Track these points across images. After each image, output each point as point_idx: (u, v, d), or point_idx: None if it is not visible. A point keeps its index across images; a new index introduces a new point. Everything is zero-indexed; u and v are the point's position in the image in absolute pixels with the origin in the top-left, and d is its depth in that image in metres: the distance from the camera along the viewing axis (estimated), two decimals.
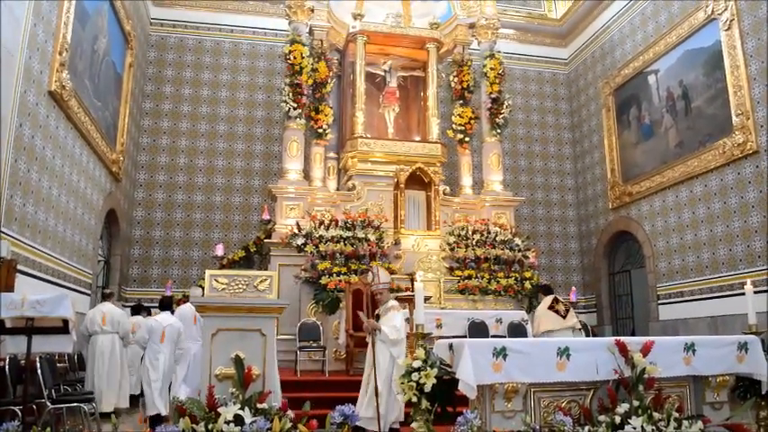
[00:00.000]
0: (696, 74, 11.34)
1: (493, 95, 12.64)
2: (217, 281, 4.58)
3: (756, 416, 5.40)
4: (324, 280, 10.16)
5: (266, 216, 12.40)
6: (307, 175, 12.07)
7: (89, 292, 10.11)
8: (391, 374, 5.87)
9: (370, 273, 6.54)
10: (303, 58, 11.64)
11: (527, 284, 11.29)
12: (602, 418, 4.50)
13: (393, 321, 6.08)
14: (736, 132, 10.19)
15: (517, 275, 11.29)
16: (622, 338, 4.84)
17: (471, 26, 13.12)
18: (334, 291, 10.07)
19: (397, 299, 9.09)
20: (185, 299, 9.75)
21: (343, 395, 6.70)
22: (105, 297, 9.46)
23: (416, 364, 4.47)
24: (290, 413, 4.21)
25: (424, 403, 4.40)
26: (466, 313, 10.30)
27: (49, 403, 6.20)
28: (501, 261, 11.32)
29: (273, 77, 14.42)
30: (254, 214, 13.74)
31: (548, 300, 8.13)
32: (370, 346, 6.22)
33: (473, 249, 11.23)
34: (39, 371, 6.24)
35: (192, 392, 6.85)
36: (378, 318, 6.19)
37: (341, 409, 4.44)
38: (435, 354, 4.70)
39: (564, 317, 7.84)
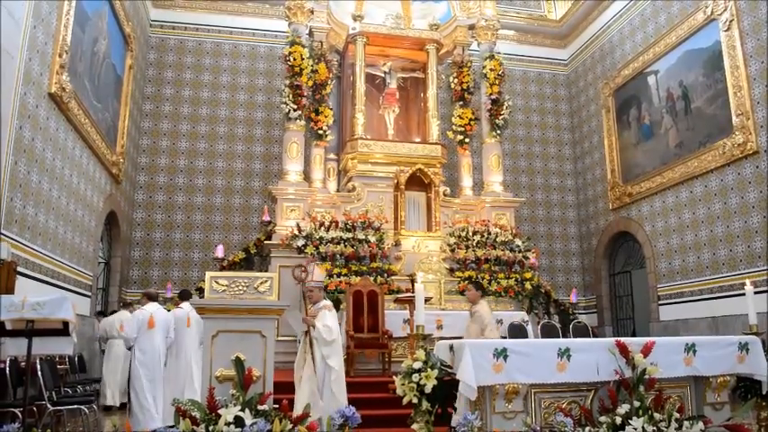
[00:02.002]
0: (696, 74, 11.34)
1: (493, 96, 12.63)
2: (217, 282, 4.57)
3: (757, 416, 5.40)
4: (324, 281, 10.15)
5: (266, 217, 12.40)
6: (307, 176, 12.07)
7: (89, 293, 10.12)
8: (323, 375, 5.79)
9: (305, 269, 6.39)
10: (303, 59, 11.64)
11: (527, 285, 11.29)
12: (602, 418, 4.49)
13: (325, 321, 5.93)
14: (737, 133, 10.19)
15: (518, 276, 11.27)
16: (623, 339, 4.83)
17: (471, 27, 13.12)
18: (334, 292, 10.07)
19: (397, 300, 9.19)
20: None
21: None
22: (125, 306, 9.91)
23: (417, 365, 4.47)
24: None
25: (425, 404, 4.40)
26: (466, 314, 10.28)
27: (49, 405, 6.21)
28: (501, 262, 11.30)
29: (273, 79, 14.43)
30: (254, 216, 13.75)
31: (487, 303, 7.59)
32: (303, 344, 6.04)
33: (473, 250, 11.21)
34: (39, 373, 6.26)
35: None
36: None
37: (341, 411, 4.43)
38: (436, 355, 4.70)
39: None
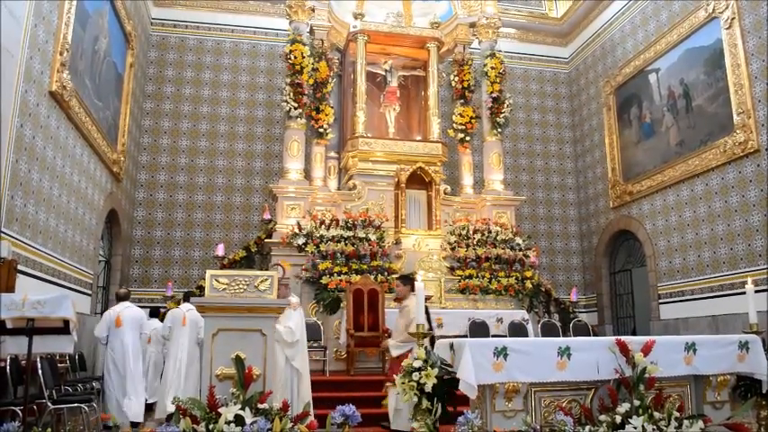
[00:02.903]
0: (697, 72, 11.33)
1: (494, 94, 12.62)
2: (217, 281, 4.57)
3: (757, 415, 5.40)
4: (324, 280, 10.17)
5: (267, 216, 12.40)
6: (307, 174, 12.07)
7: (90, 292, 10.12)
8: (290, 377, 5.81)
9: (279, 267, 6.43)
10: (304, 57, 11.63)
11: (528, 284, 11.30)
12: (602, 417, 4.49)
13: (288, 321, 5.91)
14: (737, 131, 10.17)
15: (518, 275, 11.29)
16: (623, 338, 4.83)
17: (472, 25, 13.12)
18: (334, 290, 10.09)
19: (397, 299, 9.18)
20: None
21: (343, 395, 6.72)
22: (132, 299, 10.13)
23: (417, 363, 4.47)
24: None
25: (425, 403, 4.40)
26: (467, 313, 10.33)
27: (49, 403, 6.21)
28: (502, 260, 11.31)
29: (274, 77, 14.42)
30: (254, 214, 13.75)
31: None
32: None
33: (474, 249, 11.22)
34: (39, 371, 6.26)
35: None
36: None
37: (341, 409, 4.44)
38: (436, 353, 4.70)
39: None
